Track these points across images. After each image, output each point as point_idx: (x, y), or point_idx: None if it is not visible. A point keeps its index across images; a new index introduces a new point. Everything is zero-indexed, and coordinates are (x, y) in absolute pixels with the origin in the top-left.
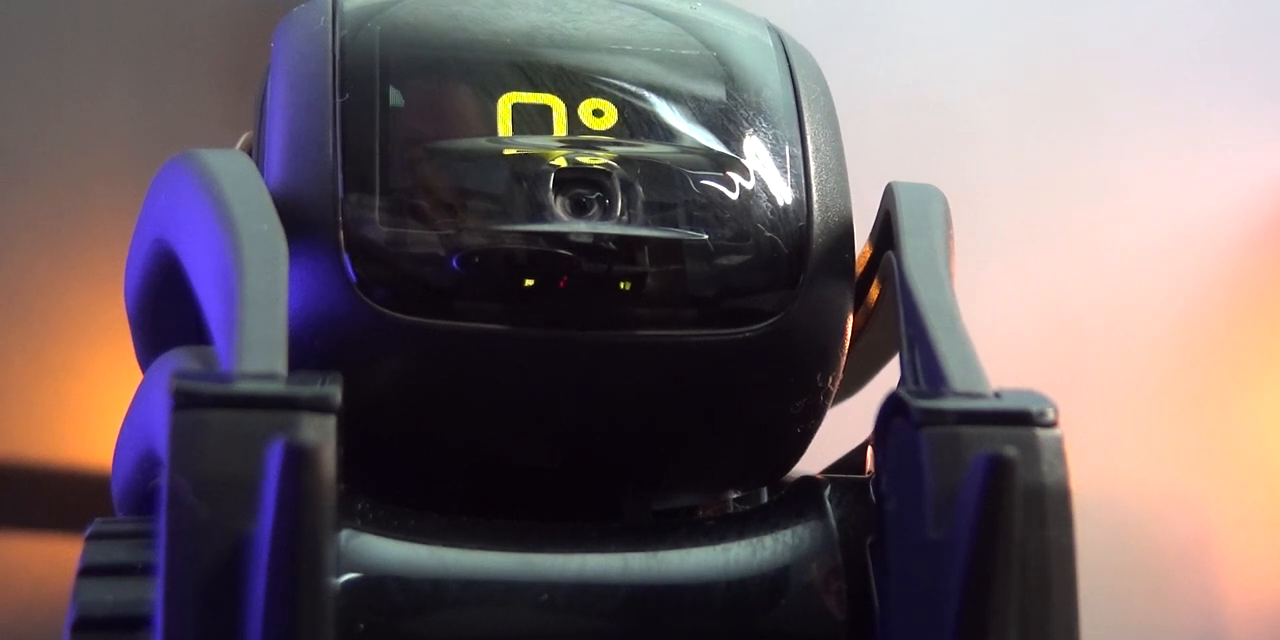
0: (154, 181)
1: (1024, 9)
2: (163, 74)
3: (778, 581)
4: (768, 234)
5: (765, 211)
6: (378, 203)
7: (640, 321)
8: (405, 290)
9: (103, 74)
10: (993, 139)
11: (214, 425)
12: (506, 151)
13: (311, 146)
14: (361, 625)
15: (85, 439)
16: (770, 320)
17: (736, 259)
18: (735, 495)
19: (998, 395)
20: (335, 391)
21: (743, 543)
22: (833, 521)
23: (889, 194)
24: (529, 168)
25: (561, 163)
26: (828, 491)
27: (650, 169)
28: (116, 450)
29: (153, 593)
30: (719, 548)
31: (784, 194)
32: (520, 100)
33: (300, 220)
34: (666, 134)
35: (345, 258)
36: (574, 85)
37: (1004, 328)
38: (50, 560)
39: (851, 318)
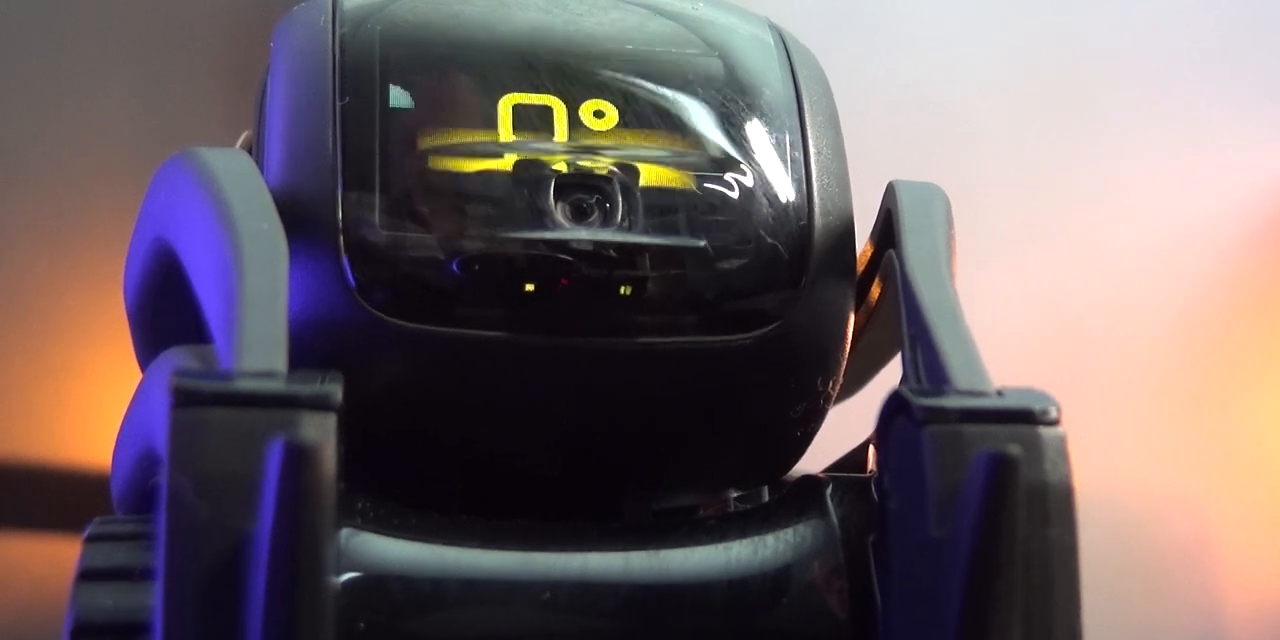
0: (154, 179)
1: (1024, 9)
2: (163, 74)
3: (779, 580)
4: (769, 239)
5: (766, 215)
6: (378, 204)
7: (641, 328)
8: (404, 295)
9: (103, 74)
10: (993, 139)
11: (214, 423)
12: (507, 155)
13: (311, 146)
14: (362, 624)
15: (85, 439)
16: (772, 325)
17: (738, 264)
18: (736, 494)
19: (1000, 393)
20: (335, 390)
21: (744, 542)
22: (834, 520)
23: (890, 192)
24: (530, 173)
25: (562, 168)
26: (829, 490)
27: (651, 174)
28: (116, 449)
29: (152, 598)
30: (720, 547)
31: (785, 196)
32: (521, 101)
33: (300, 221)
34: (668, 135)
35: (344, 261)
36: (575, 86)
37: (1004, 327)
38: (50, 560)
39: (853, 320)
